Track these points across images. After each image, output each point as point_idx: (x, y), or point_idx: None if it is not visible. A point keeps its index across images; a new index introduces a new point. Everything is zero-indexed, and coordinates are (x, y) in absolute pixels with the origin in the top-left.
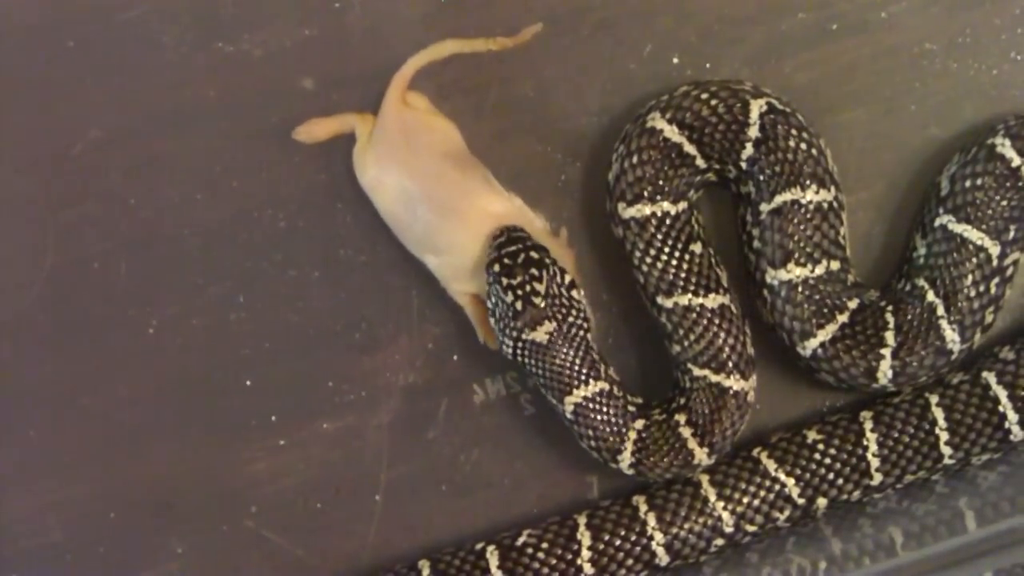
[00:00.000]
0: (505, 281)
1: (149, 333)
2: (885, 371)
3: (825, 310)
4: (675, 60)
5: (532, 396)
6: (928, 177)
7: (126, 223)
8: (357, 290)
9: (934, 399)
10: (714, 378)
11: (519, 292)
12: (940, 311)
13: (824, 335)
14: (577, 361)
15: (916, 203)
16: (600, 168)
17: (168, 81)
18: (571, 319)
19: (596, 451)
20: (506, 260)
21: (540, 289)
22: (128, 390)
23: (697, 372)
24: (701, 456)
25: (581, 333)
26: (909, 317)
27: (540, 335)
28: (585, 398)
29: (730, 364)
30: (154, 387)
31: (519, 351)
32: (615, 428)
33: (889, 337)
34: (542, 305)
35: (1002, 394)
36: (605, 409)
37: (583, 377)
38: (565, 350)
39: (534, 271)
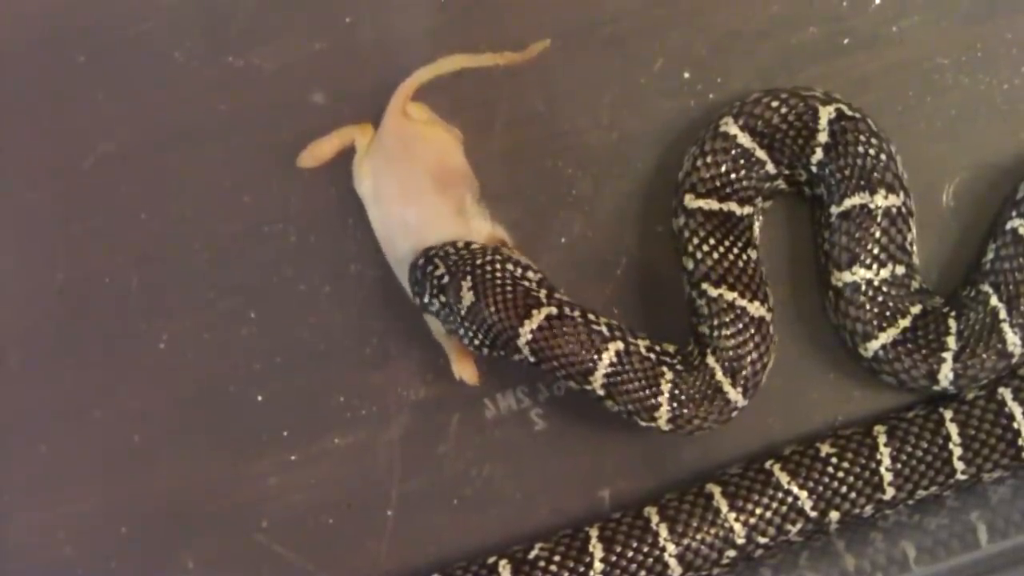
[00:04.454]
0: (426, 299)
1: (160, 347)
2: (946, 373)
3: (888, 313)
4: (686, 75)
5: (543, 411)
6: (939, 191)
7: (137, 237)
8: (368, 305)
9: (948, 414)
10: (724, 380)
11: (435, 291)
12: (1002, 314)
13: (885, 338)
14: (510, 292)
15: (926, 216)
16: (610, 182)
17: (179, 96)
18: (479, 262)
19: (631, 403)
20: (416, 289)
21: (441, 271)
22: (139, 404)
23: (712, 362)
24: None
25: (498, 266)
26: (971, 321)
27: (467, 297)
28: (548, 316)
29: (743, 373)
30: (165, 401)
31: (471, 333)
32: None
33: (951, 341)
34: (448, 279)
35: (1017, 410)
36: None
37: (532, 302)
38: (493, 290)
39: (429, 268)
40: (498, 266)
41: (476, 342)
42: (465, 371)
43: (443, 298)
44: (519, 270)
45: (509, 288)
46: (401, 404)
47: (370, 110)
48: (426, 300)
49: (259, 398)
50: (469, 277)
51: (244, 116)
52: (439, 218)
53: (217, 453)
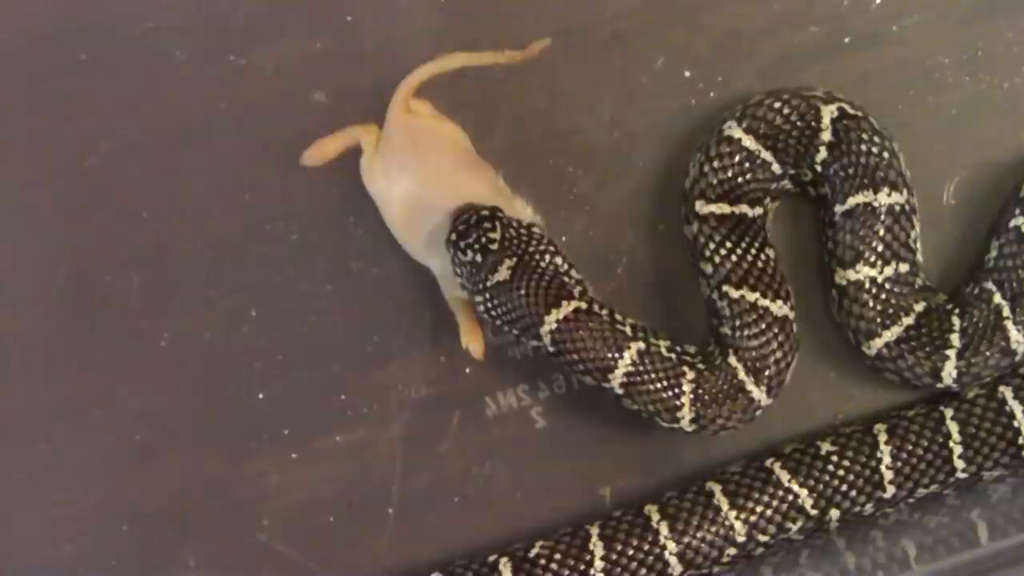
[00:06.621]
0: (462, 243)
1: (161, 346)
2: (950, 371)
3: (891, 311)
4: (687, 74)
5: (544, 409)
6: (939, 189)
7: (138, 236)
8: (369, 303)
9: (949, 412)
10: (746, 379)
11: (476, 246)
12: (1006, 312)
13: (889, 336)
14: (546, 282)
15: (927, 214)
16: (611, 181)
17: (180, 94)
18: (532, 249)
19: (651, 405)
20: (460, 227)
21: (495, 236)
22: (140, 403)
23: (734, 362)
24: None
25: (547, 258)
26: (975, 319)
27: (502, 273)
28: (576, 309)
29: (767, 372)
30: (166, 400)
31: (489, 305)
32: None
33: (954, 339)
34: (496, 248)
35: (1017, 409)
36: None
37: (564, 293)
38: (531, 276)
39: (487, 224)
40: (547, 257)
41: (492, 314)
42: (472, 342)
43: (477, 258)
44: (565, 265)
45: (547, 278)
46: (402, 402)
47: (372, 109)
48: (461, 246)
49: (260, 396)
50: (515, 259)
51: (245, 115)
52: (479, 194)
53: (218, 451)
